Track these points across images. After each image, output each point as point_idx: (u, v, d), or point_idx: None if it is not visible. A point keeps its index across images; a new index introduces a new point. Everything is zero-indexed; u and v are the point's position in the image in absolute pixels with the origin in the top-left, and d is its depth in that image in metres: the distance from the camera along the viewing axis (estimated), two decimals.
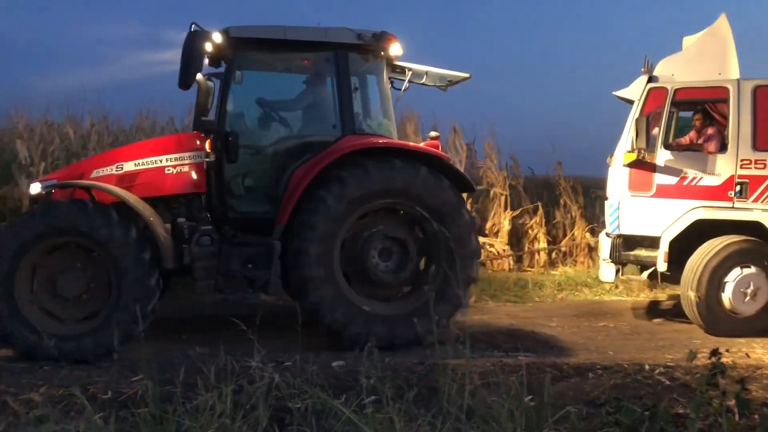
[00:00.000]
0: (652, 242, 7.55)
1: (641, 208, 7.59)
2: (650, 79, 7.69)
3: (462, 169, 12.46)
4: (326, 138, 6.63)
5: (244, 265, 6.36)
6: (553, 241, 12.40)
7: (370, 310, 6.41)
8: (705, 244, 7.28)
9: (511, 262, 11.94)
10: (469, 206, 12.12)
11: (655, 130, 7.55)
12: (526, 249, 12.12)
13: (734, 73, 7.57)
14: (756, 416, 3.51)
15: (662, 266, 7.40)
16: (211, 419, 3.22)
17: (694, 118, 8.02)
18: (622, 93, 8.00)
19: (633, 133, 7.41)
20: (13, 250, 5.75)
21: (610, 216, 7.92)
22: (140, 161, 6.49)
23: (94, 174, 6.43)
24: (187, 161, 6.53)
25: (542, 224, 12.33)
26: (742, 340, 6.95)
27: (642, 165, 7.51)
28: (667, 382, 4.96)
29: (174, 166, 6.51)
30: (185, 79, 6.15)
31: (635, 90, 7.76)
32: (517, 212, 12.42)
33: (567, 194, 12.76)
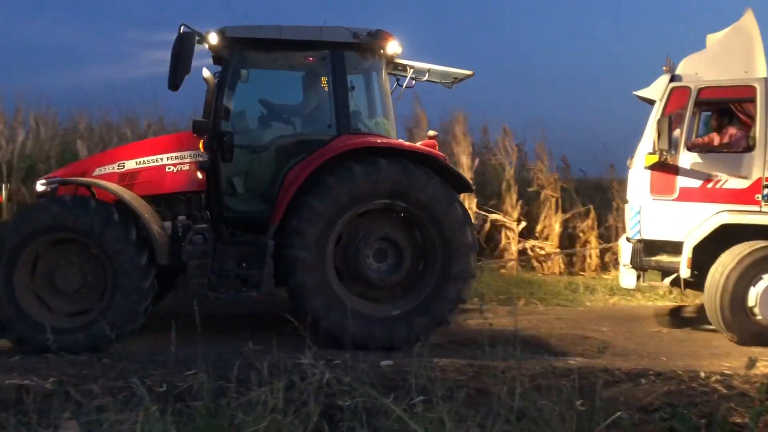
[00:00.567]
0: (675, 247, 7.30)
1: (663, 212, 7.33)
2: (672, 78, 7.43)
3: (512, 171, 12.47)
4: (322, 137, 6.64)
5: (237, 263, 6.40)
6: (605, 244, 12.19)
7: (366, 312, 6.37)
8: (730, 250, 7.00)
9: (562, 265, 11.79)
10: (519, 208, 12.13)
11: (677, 131, 7.30)
12: (577, 251, 11.94)
13: (761, 71, 7.20)
14: None
15: (685, 272, 7.13)
16: (263, 414, 3.28)
17: (711, 118, 7.77)
18: (643, 93, 7.72)
19: (654, 135, 7.17)
20: (15, 243, 5.95)
21: (630, 220, 7.67)
22: (141, 160, 6.64)
23: (97, 172, 6.60)
24: (187, 160, 6.64)
25: (594, 227, 12.14)
26: None
27: (664, 167, 7.26)
28: (724, 391, 4.81)
29: (174, 165, 6.64)
30: (174, 80, 6.20)
31: (657, 90, 7.50)
32: (568, 215, 12.25)
33: (620, 197, 12.52)
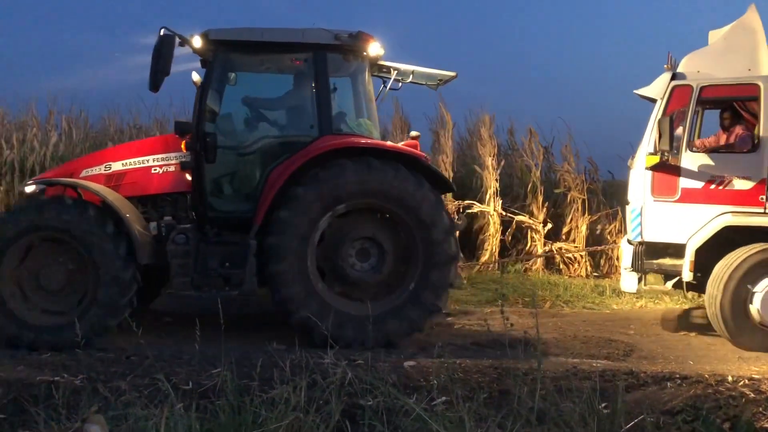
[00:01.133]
0: (677, 250, 7.13)
1: (665, 213, 7.17)
2: (674, 77, 7.25)
3: (539, 173, 12.41)
4: (304, 138, 6.68)
5: (220, 263, 6.46)
6: None
7: (342, 309, 6.38)
8: (732, 253, 6.83)
9: (589, 267, 11.70)
10: (545, 210, 12.06)
11: (679, 130, 7.11)
12: (603, 252, 11.84)
13: (765, 69, 7.03)
14: None
15: (688, 275, 6.99)
16: (286, 411, 3.32)
17: (723, 117, 7.56)
18: (644, 91, 7.56)
19: (656, 134, 7.00)
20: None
21: (631, 222, 7.48)
22: (128, 161, 6.77)
23: (84, 173, 6.74)
24: (173, 161, 6.74)
25: (622, 230, 12.02)
26: None
27: (666, 168, 7.10)
28: (752, 395, 4.73)
29: (160, 166, 6.76)
30: (154, 82, 6.27)
31: (658, 88, 7.33)
32: (595, 217, 12.15)
33: None
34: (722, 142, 7.53)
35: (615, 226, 12.06)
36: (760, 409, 4.25)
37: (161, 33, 6.27)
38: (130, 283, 6.19)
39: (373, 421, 3.40)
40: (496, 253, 11.85)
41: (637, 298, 9.73)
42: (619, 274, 11.27)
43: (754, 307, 6.70)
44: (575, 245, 11.87)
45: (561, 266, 11.83)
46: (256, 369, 3.94)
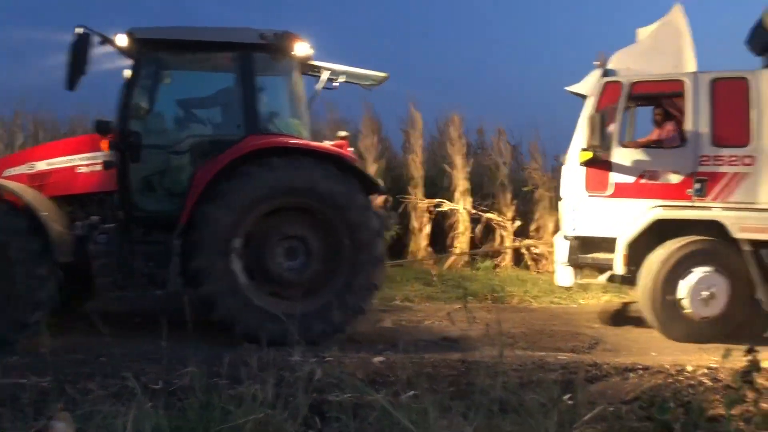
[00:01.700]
0: (611, 244, 7.23)
1: (598, 208, 7.29)
2: (605, 73, 7.38)
3: (507, 171, 12.57)
4: (231, 137, 6.65)
5: (144, 262, 6.43)
6: None
7: (264, 306, 6.35)
8: (662, 246, 7.00)
9: None
10: (514, 208, 12.23)
11: (611, 127, 7.22)
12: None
13: (691, 66, 7.24)
14: None
15: (620, 269, 7.11)
16: (254, 407, 3.37)
17: (655, 113, 7.73)
18: (575, 88, 7.65)
19: (587, 130, 7.11)
20: None
21: (566, 217, 7.61)
22: (52, 161, 6.70)
23: (6, 173, 6.68)
24: (99, 161, 6.64)
25: None
26: None
27: (598, 164, 7.21)
28: (710, 383, 4.91)
29: (86, 165, 6.69)
30: (71, 81, 6.22)
31: (589, 85, 7.44)
32: None
33: None
34: (655, 137, 7.66)
35: None
36: (719, 396, 4.41)
37: (77, 32, 6.17)
38: (46, 279, 6.08)
39: (339, 414, 3.45)
40: (466, 250, 11.99)
41: (603, 292, 9.92)
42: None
43: (683, 298, 6.88)
44: (542, 241, 12.05)
45: (529, 263, 12.00)
46: (224, 367, 3.97)
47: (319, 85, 7.57)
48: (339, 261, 6.56)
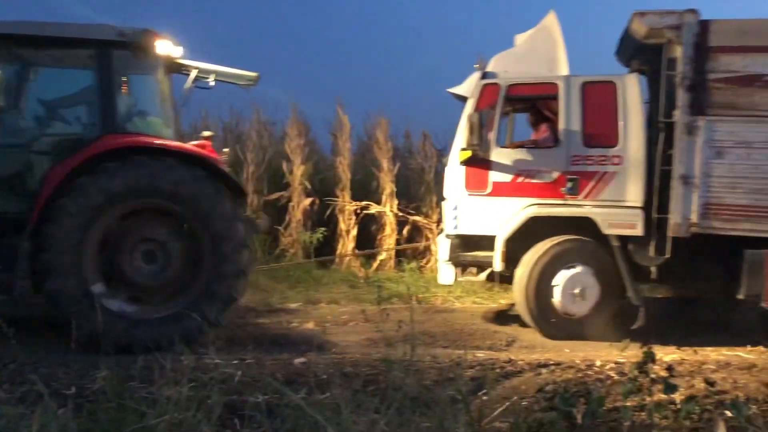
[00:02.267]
0: (490, 242, 7.40)
1: (478, 207, 7.47)
2: (484, 76, 7.57)
3: (432, 175, 12.76)
4: (87, 136, 6.50)
5: None
6: None
7: (131, 314, 6.22)
8: (537, 244, 7.23)
9: None
10: (438, 210, 12.38)
11: (491, 128, 7.40)
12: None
13: (563, 69, 7.49)
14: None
15: (499, 266, 7.29)
16: (167, 407, 3.35)
17: (531, 115, 8.01)
18: (456, 90, 7.80)
19: (466, 130, 7.27)
20: None
21: (448, 216, 7.75)
22: None
23: None
24: None
25: None
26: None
27: (478, 163, 7.37)
28: (617, 377, 5.18)
29: None
30: None
31: (469, 87, 7.60)
32: None
33: None
34: (533, 139, 7.92)
35: None
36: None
37: None
38: None
39: (253, 412, 3.48)
40: (393, 253, 12.12)
41: None
42: None
43: (556, 297, 7.12)
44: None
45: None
46: (137, 370, 3.93)
47: (188, 84, 7.36)
48: (199, 270, 6.38)
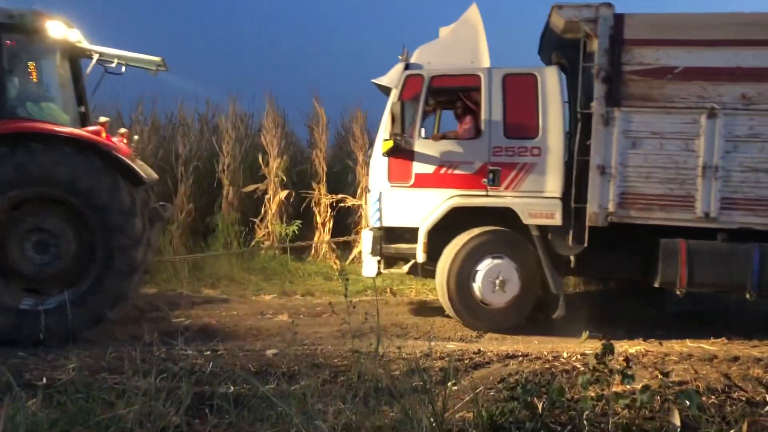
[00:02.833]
0: (413, 234, 7.39)
1: (401, 198, 7.46)
2: (407, 67, 7.57)
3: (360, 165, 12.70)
4: None
5: None
6: None
7: (17, 306, 6.06)
8: (459, 236, 7.28)
9: None
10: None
11: (415, 120, 7.44)
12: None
13: (485, 61, 7.51)
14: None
15: (421, 258, 7.30)
16: (136, 398, 3.40)
17: (455, 107, 8.03)
18: (380, 81, 7.77)
19: (389, 120, 7.26)
20: None
21: (371, 208, 7.72)
22: None
23: None
24: None
25: None
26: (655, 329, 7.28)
27: (400, 154, 7.37)
28: (582, 368, 5.29)
29: None
30: None
31: (393, 77, 7.60)
32: None
33: None
34: (459, 131, 7.92)
35: None
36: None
37: None
38: None
39: (221, 402, 3.54)
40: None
41: None
42: None
43: (476, 287, 7.19)
44: None
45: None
46: (106, 361, 3.96)
47: (89, 69, 7.19)
48: (91, 263, 6.22)
